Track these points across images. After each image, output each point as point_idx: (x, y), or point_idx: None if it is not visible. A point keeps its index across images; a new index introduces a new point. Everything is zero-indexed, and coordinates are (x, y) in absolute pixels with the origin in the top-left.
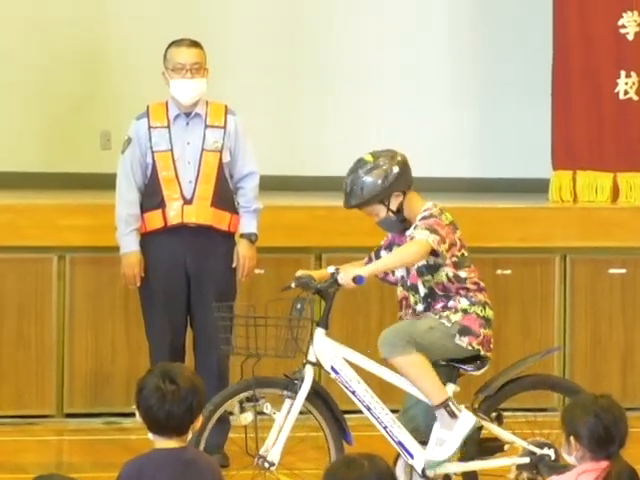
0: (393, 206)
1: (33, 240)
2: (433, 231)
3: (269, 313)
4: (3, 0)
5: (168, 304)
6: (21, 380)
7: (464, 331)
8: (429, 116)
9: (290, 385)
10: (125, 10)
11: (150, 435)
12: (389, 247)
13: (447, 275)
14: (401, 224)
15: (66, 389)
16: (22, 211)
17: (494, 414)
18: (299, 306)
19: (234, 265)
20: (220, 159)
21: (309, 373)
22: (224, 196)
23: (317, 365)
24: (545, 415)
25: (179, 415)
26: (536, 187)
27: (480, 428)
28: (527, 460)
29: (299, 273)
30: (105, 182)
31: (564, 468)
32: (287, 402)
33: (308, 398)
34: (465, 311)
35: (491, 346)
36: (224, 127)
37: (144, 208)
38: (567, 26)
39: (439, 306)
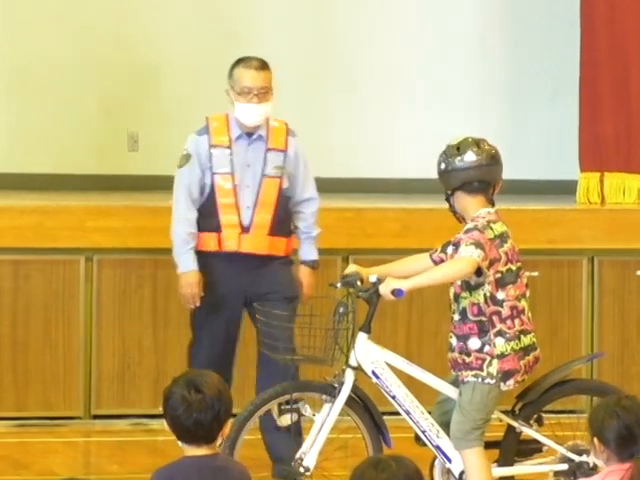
0: (450, 195)
1: (61, 242)
2: (478, 245)
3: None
4: (36, 4)
5: (221, 327)
6: (48, 382)
7: (506, 376)
8: (456, 117)
9: (329, 389)
10: (154, 13)
11: (179, 443)
12: (456, 244)
13: (485, 295)
14: (455, 215)
15: (93, 391)
16: (50, 212)
17: (534, 416)
18: (341, 310)
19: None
20: (280, 185)
21: (349, 377)
22: (282, 223)
23: (358, 369)
24: (570, 417)
25: (207, 423)
26: (564, 189)
27: (520, 432)
28: (565, 467)
29: (348, 270)
30: (132, 184)
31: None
32: (326, 406)
33: (348, 402)
34: (502, 355)
35: (537, 364)
36: (285, 150)
37: (199, 228)
38: (595, 26)
39: (473, 347)
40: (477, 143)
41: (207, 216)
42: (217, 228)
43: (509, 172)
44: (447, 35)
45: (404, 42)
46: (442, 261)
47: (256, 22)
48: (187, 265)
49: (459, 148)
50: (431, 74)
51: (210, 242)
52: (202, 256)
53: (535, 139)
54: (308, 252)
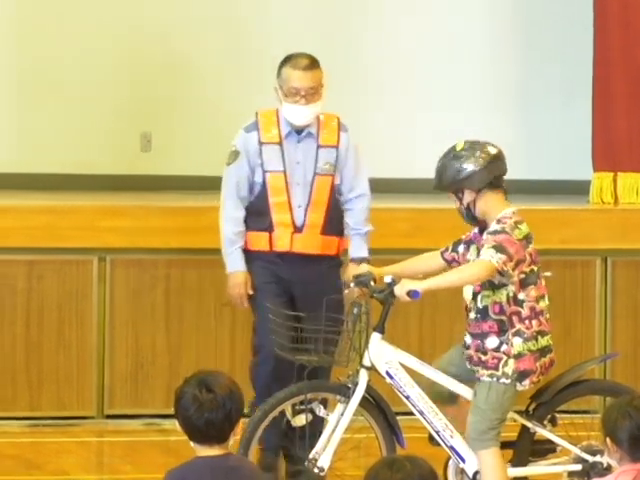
0: (465, 200)
1: (74, 242)
2: (500, 249)
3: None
4: (49, 3)
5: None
6: (62, 382)
7: (522, 376)
8: (467, 117)
9: (343, 390)
10: (167, 13)
11: (192, 443)
12: (468, 243)
13: (508, 295)
14: (472, 220)
15: (106, 390)
16: (63, 213)
17: (548, 416)
18: (355, 310)
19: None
20: (332, 183)
21: (363, 378)
22: (334, 222)
23: (372, 370)
24: (584, 417)
25: (218, 422)
26: (577, 189)
27: (534, 432)
28: (579, 467)
29: (361, 270)
30: (145, 184)
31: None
32: (340, 406)
33: (361, 403)
34: (519, 354)
35: (552, 367)
36: (336, 146)
37: (248, 227)
38: (608, 25)
39: (490, 345)
40: (483, 141)
41: (258, 215)
42: (269, 227)
43: (522, 172)
44: (459, 37)
45: (417, 43)
46: (453, 259)
47: (273, 22)
48: (234, 265)
49: (474, 147)
50: (444, 76)
51: (261, 241)
52: (251, 255)
53: (548, 139)
54: (358, 249)
